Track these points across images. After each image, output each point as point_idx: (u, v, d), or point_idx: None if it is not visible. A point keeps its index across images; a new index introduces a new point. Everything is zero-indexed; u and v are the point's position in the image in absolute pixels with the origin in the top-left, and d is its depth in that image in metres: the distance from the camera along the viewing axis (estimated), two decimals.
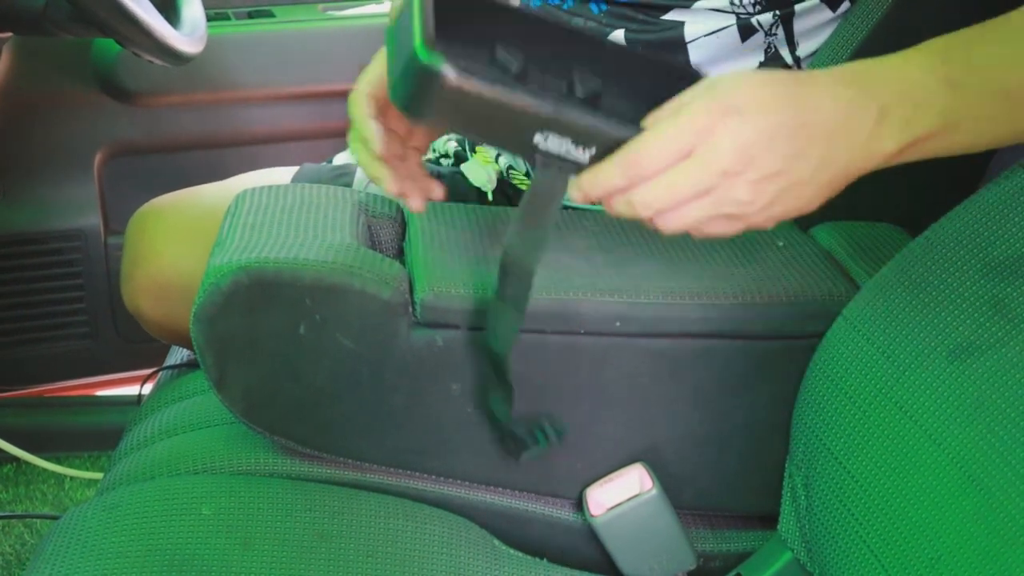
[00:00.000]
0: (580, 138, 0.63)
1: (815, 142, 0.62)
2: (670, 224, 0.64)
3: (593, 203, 0.66)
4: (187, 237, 1.05)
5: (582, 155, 0.64)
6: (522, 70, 0.66)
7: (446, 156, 1.17)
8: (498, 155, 1.06)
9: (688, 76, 0.67)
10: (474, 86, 0.60)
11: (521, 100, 0.62)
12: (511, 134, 0.63)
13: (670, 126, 0.62)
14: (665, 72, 0.70)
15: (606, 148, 0.64)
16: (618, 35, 0.99)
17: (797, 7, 0.94)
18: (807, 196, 0.64)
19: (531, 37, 0.68)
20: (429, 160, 1.19)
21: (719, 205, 0.63)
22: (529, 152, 0.64)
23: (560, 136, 0.63)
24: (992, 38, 0.65)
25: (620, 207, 0.64)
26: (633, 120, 0.64)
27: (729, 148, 0.61)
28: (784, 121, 0.62)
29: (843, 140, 0.62)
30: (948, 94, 0.63)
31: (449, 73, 0.59)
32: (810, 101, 0.63)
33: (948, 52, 0.65)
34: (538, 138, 0.63)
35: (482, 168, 1.07)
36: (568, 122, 0.63)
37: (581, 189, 0.65)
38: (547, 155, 0.64)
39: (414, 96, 0.61)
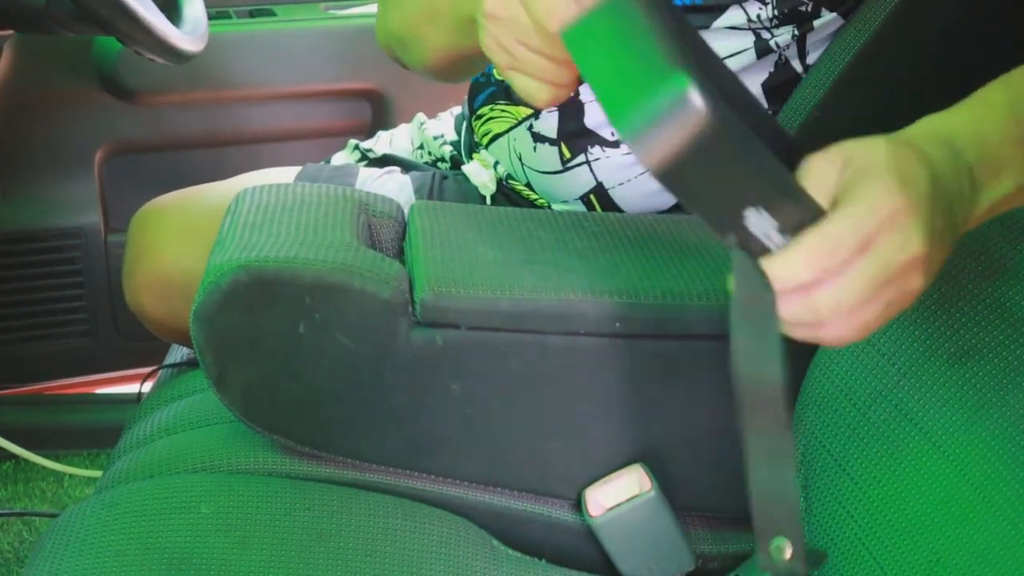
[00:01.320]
0: (785, 219, 0.53)
1: (949, 214, 0.57)
2: (843, 331, 0.55)
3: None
4: (189, 235, 1.05)
5: (779, 240, 0.53)
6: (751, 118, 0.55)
7: (441, 160, 1.16)
8: (496, 162, 1.05)
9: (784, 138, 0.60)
10: (735, 132, 0.50)
11: (767, 160, 0.51)
12: (728, 200, 0.52)
13: (859, 207, 0.53)
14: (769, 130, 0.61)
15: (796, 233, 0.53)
16: None
17: (816, 22, 0.93)
18: (936, 269, 0.57)
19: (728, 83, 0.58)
20: (425, 163, 1.18)
21: (894, 299, 0.55)
22: (730, 227, 0.53)
23: (771, 216, 0.52)
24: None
25: (799, 312, 0.55)
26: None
27: (920, 238, 0.54)
28: (934, 192, 0.56)
29: (958, 207, 0.58)
30: (1022, 156, 0.60)
31: (706, 107, 0.48)
32: (934, 168, 0.57)
33: (1020, 111, 0.61)
34: (751, 211, 0.52)
35: (483, 171, 1.07)
36: (792, 198, 0.52)
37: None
38: (747, 234, 0.53)
39: (653, 127, 0.49)
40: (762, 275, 0.54)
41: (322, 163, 1.19)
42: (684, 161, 0.49)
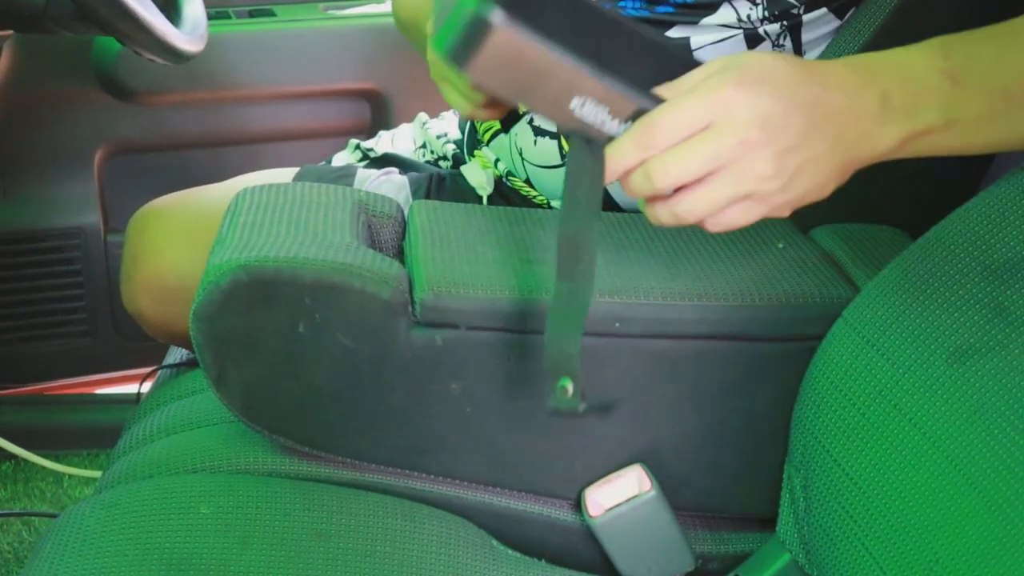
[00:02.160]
0: (616, 108, 0.62)
1: (829, 119, 0.62)
2: (688, 206, 0.63)
3: (619, 182, 0.65)
4: (187, 238, 1.05)
5: (616, 127, 0.63)
6: (568, 35, 0.64)
7: (444, 158, 1.17)
8: (497, 159, 1.06)
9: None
10: (524, 39, 0.59)
11: (567, 60, 0.60)
12: (551, 96, 0.61)
13: (689, 96, 0.61)
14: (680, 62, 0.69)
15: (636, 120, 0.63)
16: None
17: (805, 17, 0.94)
18: (823, 176, 0.63)
19: (577, 9, 0.67)
20: (428, 161, 1.19)
21: (739, 181, 0.62)
22: (564, 118, 0.62)
23: (597, 104, 0.62)
24: (995, 39, 0.66)
25: (638, 182, 0.63)
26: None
27: (747, 118, 0.60)
28: (801, 94, 0.62)
29: (852, 121, 0.63)
30: (948, 88, 0.64)
31: (500, 22, 0.58)
32: (823, 79, 0.63)
33: (950, 48, 0.65)
34: (575, 103, 0.62)
35: (481, 171, 1.07)
36: (609, 87, 0.62)
37: (606, 164, 0.64)
38: (582, 123, 0.62)
39: (460, 44, 0.59)
40: (592, 154, 0.63)
41: (321, 164, 1.19)
42: (492, 69, 0.60)
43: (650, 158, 0.62)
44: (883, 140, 0.64)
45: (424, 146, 1.19)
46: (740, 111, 0.60)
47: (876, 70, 0.64)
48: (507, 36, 0.59)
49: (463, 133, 1.15)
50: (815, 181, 0.64)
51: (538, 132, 1.01)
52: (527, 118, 1.03)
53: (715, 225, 0.64)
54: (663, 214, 0.64)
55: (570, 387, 0.69)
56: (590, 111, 0.62)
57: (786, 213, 0.65)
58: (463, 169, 1.08)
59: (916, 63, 0.65)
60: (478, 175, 1.07)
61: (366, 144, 1.22)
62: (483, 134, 1.06)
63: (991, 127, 0.66)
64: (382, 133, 1.25)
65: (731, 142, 0.61)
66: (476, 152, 1.09)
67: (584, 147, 0.64)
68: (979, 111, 0.64)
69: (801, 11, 0.93)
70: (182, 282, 1.02)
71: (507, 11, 0.58)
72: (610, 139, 0.63)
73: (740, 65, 0.62)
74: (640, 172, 0.62)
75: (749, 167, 0.61)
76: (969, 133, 0.65)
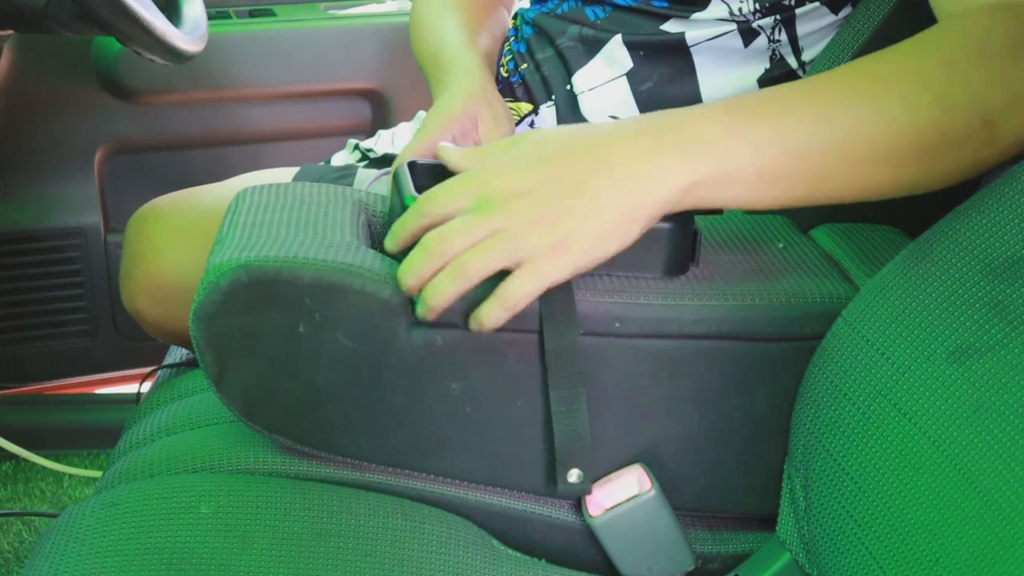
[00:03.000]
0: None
1: (600, 165, 0.65)
2: (464, 261, 0.67)
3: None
4: (187, 238, 1.05)
5: None
6: None
7: None
8: None
9: None
10: None
11: None
12: None
13: (461, 176, 0.69)
14: None
15: None
16: (616, 39, 0.99)
17: (798, 11, 0.94)
18: (600, 226, 0.66)
19: None
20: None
21: (511, 243, 0.66)
22: None
23: None
24: (781, 98, 0.68)
25: (416, 257, 0.69)
26: None
27: (508, 180, 0.66)
28: (573, 145, 0.67)
29: (626, 169, 0.66)
30: (724, 140, 0.65)
31: None
32: (600, 130, 0.68)
33: (734, 106, 0.68)
34: None
35: None
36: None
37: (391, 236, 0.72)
38: None
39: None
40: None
41: (321, 164, 1.19)
42: None
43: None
44: (660, 188, 0.66)
45: None
46: (502, 175, 0.66)
47: (656, 121, 0.67)
48: None
49: None
50: (592, 233, 0.66)
51: None
52: (527, 120, 1.04)
53: (502, 302, 0.68)
54: (444, 280, 0.68)
55: (576, 475, 0.77)
56: None
57: (568, 274, 0.67)
58: None
59: (696, 116, 0.67)
60: None
61: (365, 144, 1.21)
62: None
63: (772, 184, 0.67)
64: (381, 132, 1.25)
65: (498, 207, 0.66)
66: None
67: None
68: (761, 167, 0.66)
69: (792, 3, 0.94)
70: (181, 282, 1.02)
71: None
72: None
73: (516, 140, 0.68)
74: (419, 247, 0.68)
75: (519, 228, 0.65)
76: (748, 188, 0.67)
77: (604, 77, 1.00)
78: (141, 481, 0.81)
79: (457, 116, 0.89)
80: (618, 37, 0.99)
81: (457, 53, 0.98)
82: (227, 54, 1.70)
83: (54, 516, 0.88)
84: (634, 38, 0.98)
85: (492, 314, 0.69)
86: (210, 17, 1.48)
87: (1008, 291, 0.66)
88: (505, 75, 1.08)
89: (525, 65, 1.05)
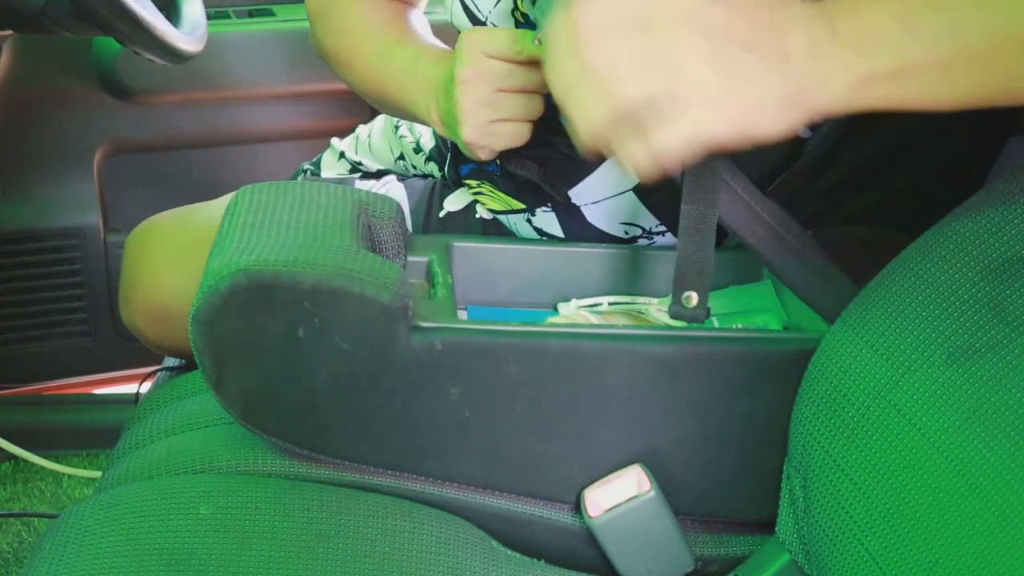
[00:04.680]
0: None
1: (775, 36, 0.60)
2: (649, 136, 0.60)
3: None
4: (185, 260, 1.04)
5: None
6: None
7: (432, 175, 1.12)
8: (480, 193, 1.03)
9: None
10: None
11: None
12: None
13: None
14: None
15: None
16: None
17: None
18: (768, 99, 0.60)
19: None
20: (414, 175, 1.14)
21: (673, 76, 0.59)
22: None
23: None
24: None
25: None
26: None
27: (684, 13, 0.59)
28: (749, 11, 0.60)
29: (800, 50, 0.60)
30: (897, 32, 0.60)
31: None
32: (773, 5, 0.61)
33: None
34: None
35: (468, 197, 1.03)
36: None
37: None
38: None
39: None
40: None
41: (318, 178, 1.17)
42: None
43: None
44: (833, 79, 0.60)
45: (403, 158, 1.15)
46: (679, 7, 0.59)
47: (828, 6, 0.61)
48: None
49: (437, 143, 1.11)
50: (760, 98, 0.60)
51: (541, 233, 0.98)
52: (523, 216, 0.98)
53: (649, 150, 0.61)
54: (633, 148, 0.61)
55: (695, 298, 0.73)
56: None
57: (732, 132, 0.60)
58: (447, 202, 1.04)
59: (868, 3, 0.61)
60: (464, 201, 1.04)
61: (340, 145, 1.19)
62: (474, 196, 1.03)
63: (952, 81, 0.61)
64: (360, 128, 1.22)
65: (667, 31, 0.59)
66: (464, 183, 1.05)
67: None
68: (933, 61, 0.60)
69: None
70: (181, 305, 1.01)
71: None
72: None
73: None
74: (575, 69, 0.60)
75: (684, 62, 0.59)
76: (926, 85, 0.61)
77: (607, 192, 0.94)
78: (140, 482, 0.81)
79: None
80: None
81: (417, 48, 0.93)
82: (227, 54, 1.70)
83: (53, 517, 0.88)
84: None
85: (637, 157, 0.62)
86: (209, 17, 1.47)
87: (1008, 292, 0.66)
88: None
89: (504, 162, 0.94)
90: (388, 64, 0.94)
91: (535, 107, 0.82)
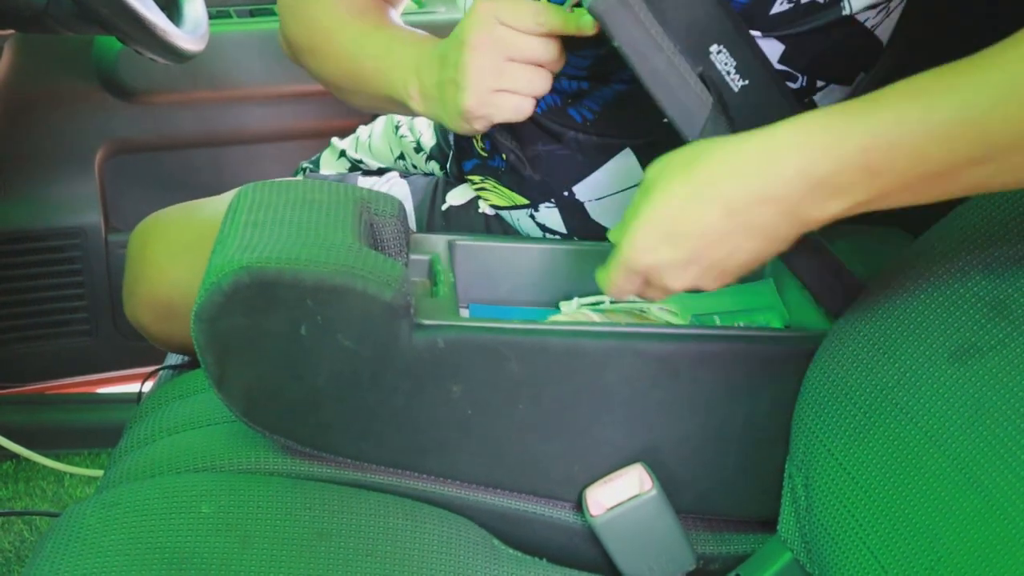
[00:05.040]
0: (743, 65, 0.73)
1: (764, 207, 0.64)
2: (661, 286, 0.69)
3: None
4: (188, 255, 1.04)
5: (736, 84, 0.73)
6: None
7: (433, 173, 1.12)
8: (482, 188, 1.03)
9: None
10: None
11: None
12: (694, 35, 0.71)
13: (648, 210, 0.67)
14: None
15: (759, 83, 0.73)
16: (625, 153, 0.92)
17: (816, 96, 0.89)
18: (763, 248, 0.66)
19: None
20: (414, 174, 1.14)
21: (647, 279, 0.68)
22: (698, 58, 0.71)
23: (730, 55, 0.72)
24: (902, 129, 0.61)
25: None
26: None
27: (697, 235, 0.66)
28: (732, 195, 0.64)
29: (783, 209, 0.63)
30: (867, 182, 0.62)
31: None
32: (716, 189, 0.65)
33: (869, 142, 0.61)
34: (714, 48, 0.71)
35: (470, 192, 1.03)
36: (746, 42, 0.72)
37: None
38: (710, 70, 0.72)
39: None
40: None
41: (315, 178, 1.17)
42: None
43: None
44: (816, 216, 0.64)
45: (403, 158, 1.15)
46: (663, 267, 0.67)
47: (787, 160, 0.63)
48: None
49: (439, 141, 1.11)
50: (739, 266, 0.67)
51: (544, 229, 0.97)
52: (526, 211, 0.98)
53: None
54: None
55: None
56: (723, 60, 0.72)
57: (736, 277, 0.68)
58: (449, 196, 1.04)
59: (832, 154, 0.62)
60: (467, 196, 1.04)
61: (340, 144, 1.19)
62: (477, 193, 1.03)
63: (917, 195, 0.63)
64: (361, 128, 1.22)
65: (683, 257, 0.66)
66: (467, 179, 1.05)
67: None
68: (898, 186, 0.62)
69: (807, 91, 0.88)
70: (184, 300, 1.01)
71: None
72: (727, 93, 0.73)
73: (650, 217, 0.66)
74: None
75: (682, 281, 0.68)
76: (893, 200, 0.63)
77: (612, 188, 0.93)
78: (142, 480, 0.81)
79: None
80: (627, 151, 0.92)
81: (397, 32, 0.92)
82: (228, 54, 1.70)
83: (55, 515, 0.88)
84: (639, 142, 0.91)
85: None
86: (211, 16, 1.47)
87: (1010, 290, 0.66)
88: (483, 154, 1.00)
89: (509, 156, 0.95)
90: (364, 48, 0.92)
91: (543, 83, 0.79)
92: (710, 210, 0.64)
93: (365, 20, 0.94)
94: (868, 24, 0.84)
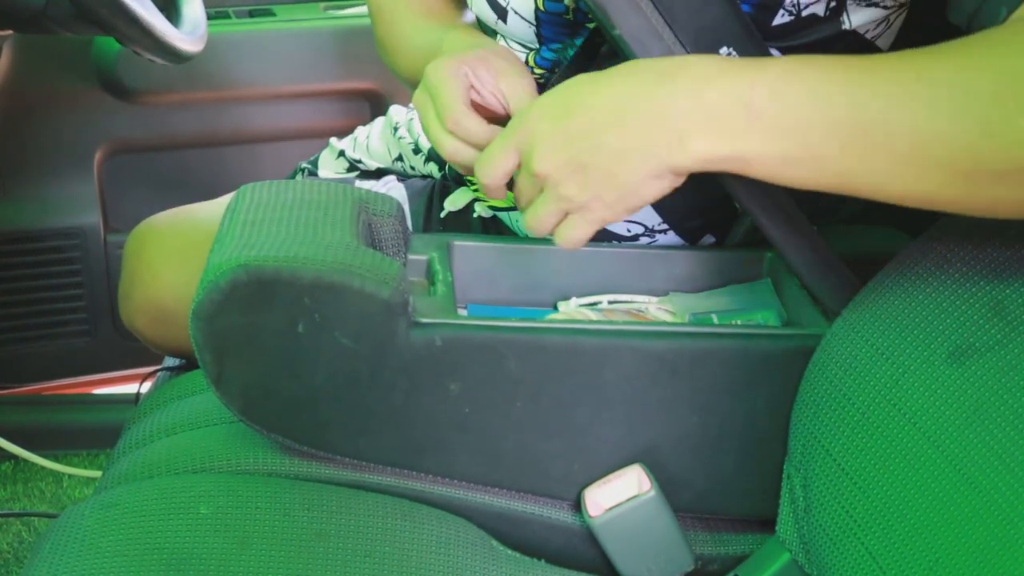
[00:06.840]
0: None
1: (599, 123, 0.66)
2: (526, 219, 0.71)
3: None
4: (184, 260, 1.04)
5: None
6: None
7: (431, 175, 1.12)
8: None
9: None
10: None
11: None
12: (705, 35, 0.72)
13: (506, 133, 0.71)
14: None
15: None
16: None
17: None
18: (633, 177, 0.66)
19: None
20: (413, 176, 1.14)
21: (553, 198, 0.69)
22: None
23: (740, 57, 0.74)
24: (812, 82, 0.62)
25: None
26: None
27: (544, 139, 0.69)
28: (597, 100, 0.67)
29: (653, 126, 0.65)
30: (746, 124, 0.63)
31: None
32: (611, 92, 0.67)
33: (758, 78, 0.63)
34: (723, 51, 0.74)
35: (470, 195, 1.03)
36: (756, 45, 0.75)
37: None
38: None
39: None
40: None
41: (313, 179, 1.16)
42: None
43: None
44: (694, 147, 0.64)
45: (401, 159, 1.14)
46: (538, 134, 0.69)
47: (677, 86, 0.65)
48: None
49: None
50: (626, 181, 0.67)
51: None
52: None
53: (564, 243, 0.71)
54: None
55: None
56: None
57: (619, 216, 0.69)
58: (447, 202, 1.03)
59: (720, 86, 0.64)
60: (464, 200, 1.03)
61: (339, 144, 1.19)
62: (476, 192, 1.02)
63: (805, 170, 0.63)
64: (359, 129, 1.21)
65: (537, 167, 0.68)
66: (466, 180, 1.04)
67: None
68: (784, 154, 0.62)
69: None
70: (180, 304, 1.01)
71: None
72: None
73: (546, 97, 0.69)
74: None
75: (557, 186, 0.68)
76: (778, 172, 0.63)
77: None
78: (140, 481, 0.81)
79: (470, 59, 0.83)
80: None
81: (447, 33, 0.93)
82: (226, 54, 1.70)
83: (53, 516, 0.88)
84: None
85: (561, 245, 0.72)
86: (209, 17, 1.48)
87: (1007, 290, 0.66)
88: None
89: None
90: (424, 44, 0.95)
91: (466, 156, 0.80)
92: (598, 98, 0.67)
93: (433, 18, 0.98)
94: (868, 36, 0.84)
